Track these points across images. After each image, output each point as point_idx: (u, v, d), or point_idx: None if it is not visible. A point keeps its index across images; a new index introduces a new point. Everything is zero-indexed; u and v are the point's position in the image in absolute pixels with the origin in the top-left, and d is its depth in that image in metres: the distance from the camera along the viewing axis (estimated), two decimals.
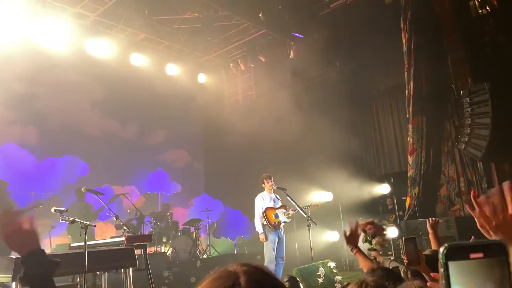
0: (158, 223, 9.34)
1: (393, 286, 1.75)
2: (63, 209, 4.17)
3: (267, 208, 6.84)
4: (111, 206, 6.33)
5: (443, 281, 0.54)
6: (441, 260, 0.55)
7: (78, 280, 4.52)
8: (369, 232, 5.18)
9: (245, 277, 0.72)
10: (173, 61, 11.83)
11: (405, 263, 2.16)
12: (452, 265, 0.54)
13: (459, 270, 0.54)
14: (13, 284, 3.51)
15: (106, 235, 9.14)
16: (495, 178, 7.93)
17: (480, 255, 0.54)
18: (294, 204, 6.80)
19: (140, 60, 10.97)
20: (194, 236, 9.78)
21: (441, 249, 0.55)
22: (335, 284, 5.80)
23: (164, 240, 9.30)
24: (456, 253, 0.55)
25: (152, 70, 11.23)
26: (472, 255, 0.54)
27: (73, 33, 9.59)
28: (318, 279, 5.92)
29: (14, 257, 3.64)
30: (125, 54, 10.70)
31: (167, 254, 8.99)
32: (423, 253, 3.41)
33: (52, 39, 9.23)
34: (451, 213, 8.24)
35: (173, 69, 11.82)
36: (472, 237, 1.72)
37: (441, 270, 0.55)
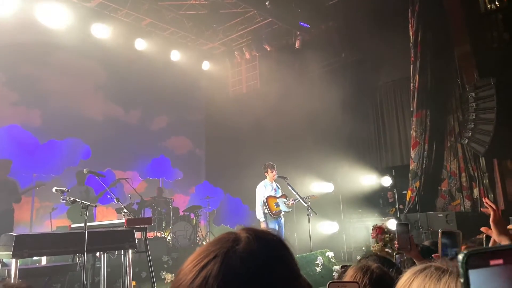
0: (159, 208, 9.39)
1: (395, 274, 1.74)
2: (64, 189, 4.18)
3: (268, 197, 6.87)
4: (112, 191, 6.35)
5: None
6: (461, 269, 0.53)
7: (77, 260, 4.56)
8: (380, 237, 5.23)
9: (242, 246, 0.71)
10: (177, 48, 11.77)
11: (396, 248, 2.17)
12: (472, 273, 0.52)
13: (479, 278, 0.52)
14: (13, 260, 3.54)
15: (107, 219, 9.20)
16: (496, 174, 7.91)
17: (500, 261, 0.52)
18: (295, 193, 6.83)
19: (145, 46, 10.91)
20: (194, 222, 9.84)
21: (460, 257, 0.53)
22: (333, 274, 5.83)
23: (164, 225, 9.35)
24: (476, 260, 0.53)
25: (157, 56, 11.17)
26: (492, 262, 0.52)
27: (78, 16, 9.54)
28: (316, 268, 5.95)
29: (14, 234, 3.67)
30: (130, 38, 10.64)
31: (167, 240, 9.04)
32: (423, 243, 3.42)
33: (57, 21, 9.18)
34: (451, 208, 8.24)
35: (178, 56, 11.76)
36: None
37: (461, 280, 0.53)
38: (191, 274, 0.68)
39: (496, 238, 1.70)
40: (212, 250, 0.71)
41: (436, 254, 1.62)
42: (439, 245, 1.58)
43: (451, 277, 0.84)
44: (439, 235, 1.60)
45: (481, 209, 1.96)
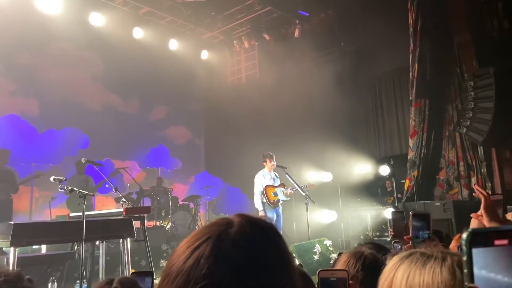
0: (158, 198, 9.42)
1: (384, 258, 1.77)
2: (62, 178, 4.19)
3: (267, 186, 6.91)
4: (112, 181, 6.37)
5: (465, 270, 0.52)
6: (464, 247, 0.53)
7: (76, 248, 4.59)
8: None
9: (235, 229, 0.72)
10: (176, 37, 11.69)
11: (391, 235, 2.19)
12: (475, 252, 0.52)
13: (482, 257, 0.52)
14: (11, 249, 3.57)
15: (106, 208, 9.24)
16: (495, 163, 7.91)
17: (505, 242, 0.52)
18: (293, 182, 6.85)
19: (142, 34, 10.83)
20: (194, 211, 9.89)
21: (465, 235, 0.53)
22: (331, 262, 5.87)
23: (163, 214, 9.39)
24: (481, 239, 0.52)
25: (155, 45, 11.10)
26: (497, 242, 0.52)
27: (75, 5, 9.47)
28: (314, 256, 5.99)
29: (12, 222, 3.69)
30: (127, 27, 10.56)
31: (166, 229, 9.10)
32: None
33: (54, 10, 9.12)
34: (449, 197, 8.26)
35: (176, 45, 11.68)
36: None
37: (464, 258, 0.53)
38: (184, 255, 0.70)
39: (487, 224, 1.71)
40: (205, 232, 0.72)
41: (408, 236, 1.64)
42: (410, 228, 1.59)
43: (435, 262, 0.85)
44: (410, 218, 1.61)
45: (474, 193, 1.97)
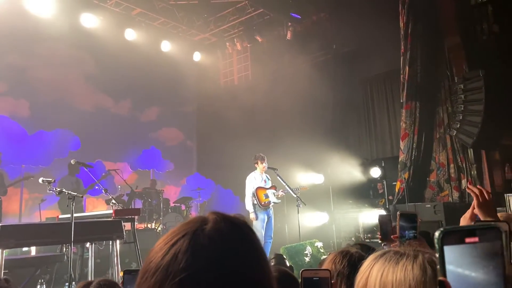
0: (149, 199, 9.38)
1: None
2: (50, 179, 4.16)
3: (258, 188, 6.90)
4: (103, 183, 6.34)
5: (438, 266, 0.55)
6: (436, 245, 0.55)
7: (65, 250, 4.55)
8: None
9: (210, 225, 0.74)
10: (168, 38, 11.67)
11: (379, 238, 2.21)
12: (447, 249, 0.54)
13: (454, 254, 0.54)
14: None
15: (97, 210, 9.18)
16: (485, 166, 7.98)
17: (475, 239, 0.54)
18: (284, 184, 6.86)
19: (135, 36, 10.80)
20: (185, 213, 9.85)
21: (437, 234, 0.56)
22: None
23: (154, 217, 9.34)
24: (452, 237, 0.55)
25: (147, 46, 11.07)
26: (468, 240, 0.54)
27: (67, 5, 9.42)
28: (305, 258, 6.00)
29: (0, 224, 3.65)
30: (120, 29, 10.52)
31: (157, 231, 9.05)
32: None
33: (45, 10, 9.05)
34: (439, 199, 8.32)
35: (168, 46, 11.65)
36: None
37: (437, 254, 0.55)
38: (162, 252, 0.72)
39: (483, 219, 1.74)
40: (182, 230, 0.74)
41: (395, 235, 1.66)
42: (397, 227, 1.61)
43: (408, 260, 0.90)
44: (397, 217, 1.63)
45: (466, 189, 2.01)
